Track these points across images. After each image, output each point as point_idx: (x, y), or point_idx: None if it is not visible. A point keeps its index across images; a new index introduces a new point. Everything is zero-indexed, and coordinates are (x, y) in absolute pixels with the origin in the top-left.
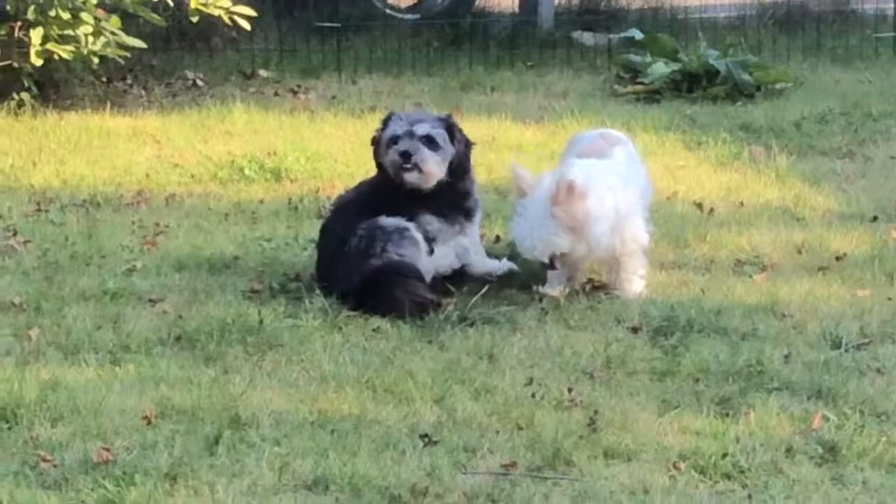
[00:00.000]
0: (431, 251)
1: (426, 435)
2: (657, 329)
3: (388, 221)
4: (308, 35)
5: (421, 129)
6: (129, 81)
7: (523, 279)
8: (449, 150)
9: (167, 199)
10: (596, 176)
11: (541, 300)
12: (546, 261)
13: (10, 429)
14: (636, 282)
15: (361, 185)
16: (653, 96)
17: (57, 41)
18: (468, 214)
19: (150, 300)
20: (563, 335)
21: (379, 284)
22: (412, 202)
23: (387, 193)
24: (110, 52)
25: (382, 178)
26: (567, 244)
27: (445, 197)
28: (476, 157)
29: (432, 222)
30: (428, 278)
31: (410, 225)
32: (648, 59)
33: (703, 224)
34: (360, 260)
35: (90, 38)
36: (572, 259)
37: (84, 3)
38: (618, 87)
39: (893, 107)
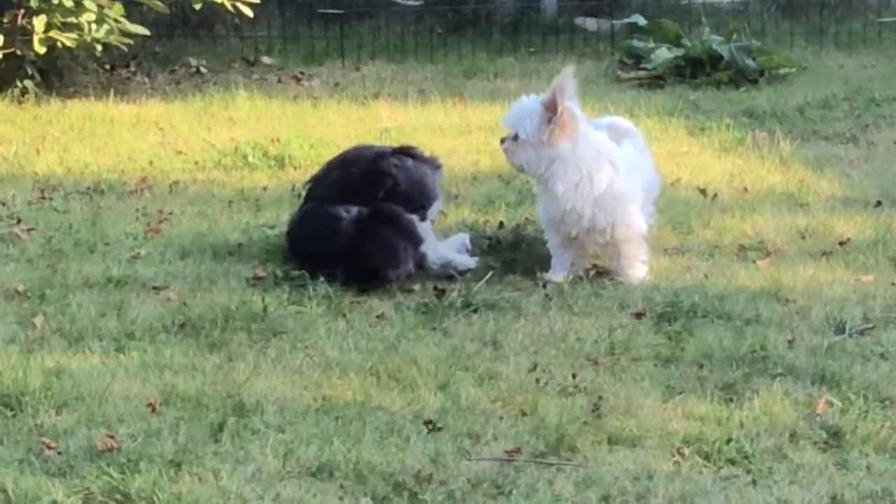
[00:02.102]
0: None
1: (430, 421)
2: (661, 315)
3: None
4: (311, 22)
5: None
6: (132, 69)
7: (527, 265)
8: None
9: (171, 186)
10: (610, 147)
11: (544, 286)
12: (507, 137)
13: (14, 416)
14: (638, 267)
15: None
16: (656, 82)
17: (60, 29)
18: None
19: (154, 287)
20: (566, 321)
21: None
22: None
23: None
24: (113, 39)
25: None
26: (526, 153)
27: None
28: (479, 143)
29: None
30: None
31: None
32: (652, 44)
33: (706, 209)
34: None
35: (93, 26)
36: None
37: None
38: (621, 73)
39: None
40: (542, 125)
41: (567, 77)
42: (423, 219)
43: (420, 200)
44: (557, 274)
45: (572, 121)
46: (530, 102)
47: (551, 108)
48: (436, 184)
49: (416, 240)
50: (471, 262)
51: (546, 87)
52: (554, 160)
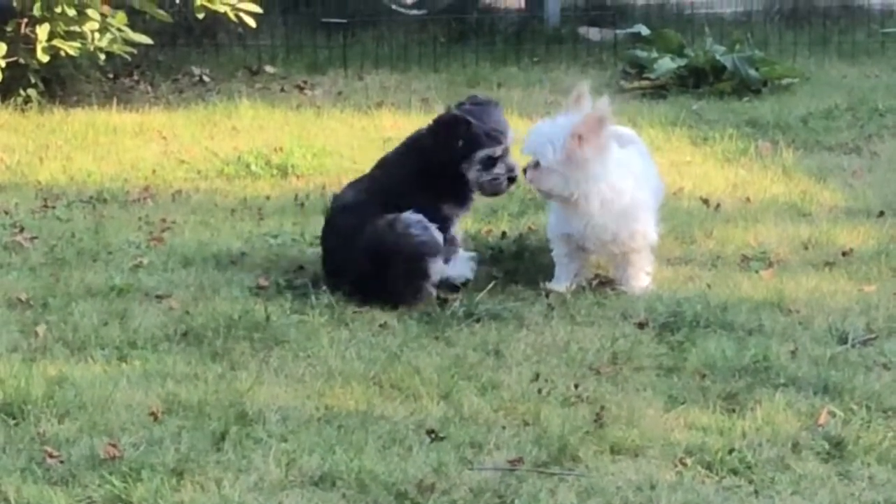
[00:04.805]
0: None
1: (433, 431)
2: (663, 325)
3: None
4: (314, 31)
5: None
6: (135, 78)
7: (529, 275)
8: None
9: (174, 195)
10: (627, 157)
11: (547, 296)
12: (529, 165)
13: (16, 425)
14: (642, 278)
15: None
16: (659, 92)
17: (63, 38)
18: None
19: (157, 296)
20: (569, 331)
21: (390, 266)
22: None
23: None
24: (116, 48)
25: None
26: (552, 179)
27: None
28: None
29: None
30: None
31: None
32: (655, 54)
33: (709, 220)
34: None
35: (96, 35)
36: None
37: None
38: (624, 83)
39: None
40: (569, 149)
41: (603, 102)
42: (465, 206)
43: (496, 136)
44: (561, 284)
45: (606, 141)
46: (548, 128)
47: (590, 130)
48: (503, 116)
49: (426, 268)
50: (468, 272)
51: (548, 95)
52: (587, 180)
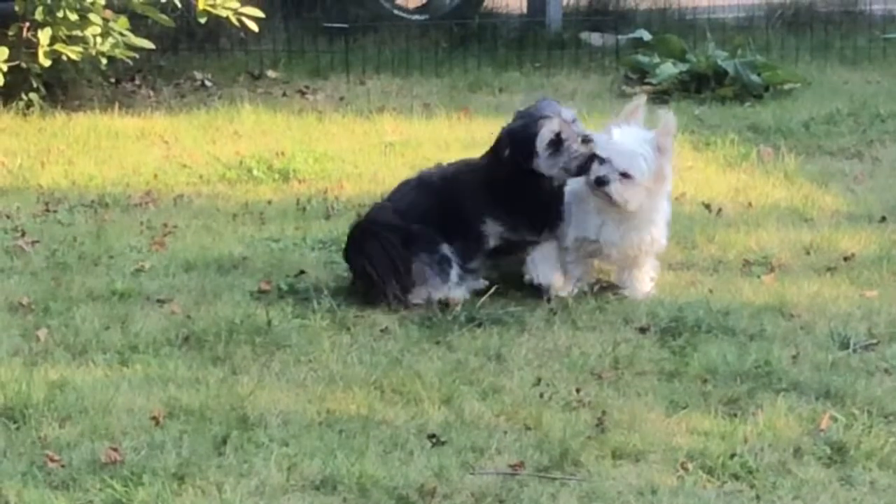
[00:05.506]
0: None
1: (434, 435)
2: (665, 329)
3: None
4: (316, 36)
5: None
6: (137, 82)
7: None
8: None
9: (175, 199)
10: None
11: (549, 300)
12: (608, 178)
13: (18, 429)
14: (646, 282)
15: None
16: (661, 97)
17: (65, 42)
18: None
19: (159, 300)
20: (570, 336)
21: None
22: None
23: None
24: (118, 52)
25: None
26: (640, 193)
27: None
28: None
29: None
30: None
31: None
32: (656, 59)
33: (711, 225)
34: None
35: (98, 39)
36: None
37: (92, 3)
38: (626, 88)
39: None
40: (658, 163)
41: (671, 116)
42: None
43: (544, 114)
44: (565, 288)
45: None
46: (631, 142)
47: (667, 144)
48: (553, 102)
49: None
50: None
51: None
52: (662, 196)
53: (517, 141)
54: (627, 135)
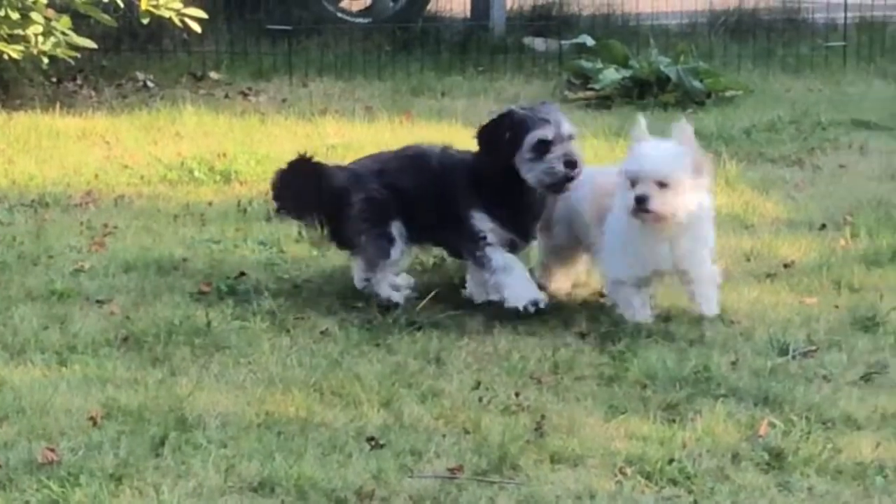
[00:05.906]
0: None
1: (373, 438)
2: (605, 335)
3: None
4: (259, 38)
5: None
6: (78, 82)
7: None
8: None
9: (116, 199)
10: None
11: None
12: (646, 192)
13: None
14: (715, 295)
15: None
16: (604, 102)
17: (6, 41)
18: None
19: (98, 301)
20: (510, 340)
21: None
22: None
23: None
24: (60, 52)
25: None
26: (677, 201)
27: None
28: None
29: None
30: None
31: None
32: (599, 65)
33: None
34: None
35: (40, 38)
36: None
37: (34, 2)
38: (569, 93)
39: (843, 116)
40: (693, 171)
41: (688, 125)
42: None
43: (546, 119)
44: (645, 311)
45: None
46: (668, 149)
47: (696, 151)
48: (558, 110)
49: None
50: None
51: (492, 105)
52: (703, 204)
53: (514, 124)
54: (654, 149)
